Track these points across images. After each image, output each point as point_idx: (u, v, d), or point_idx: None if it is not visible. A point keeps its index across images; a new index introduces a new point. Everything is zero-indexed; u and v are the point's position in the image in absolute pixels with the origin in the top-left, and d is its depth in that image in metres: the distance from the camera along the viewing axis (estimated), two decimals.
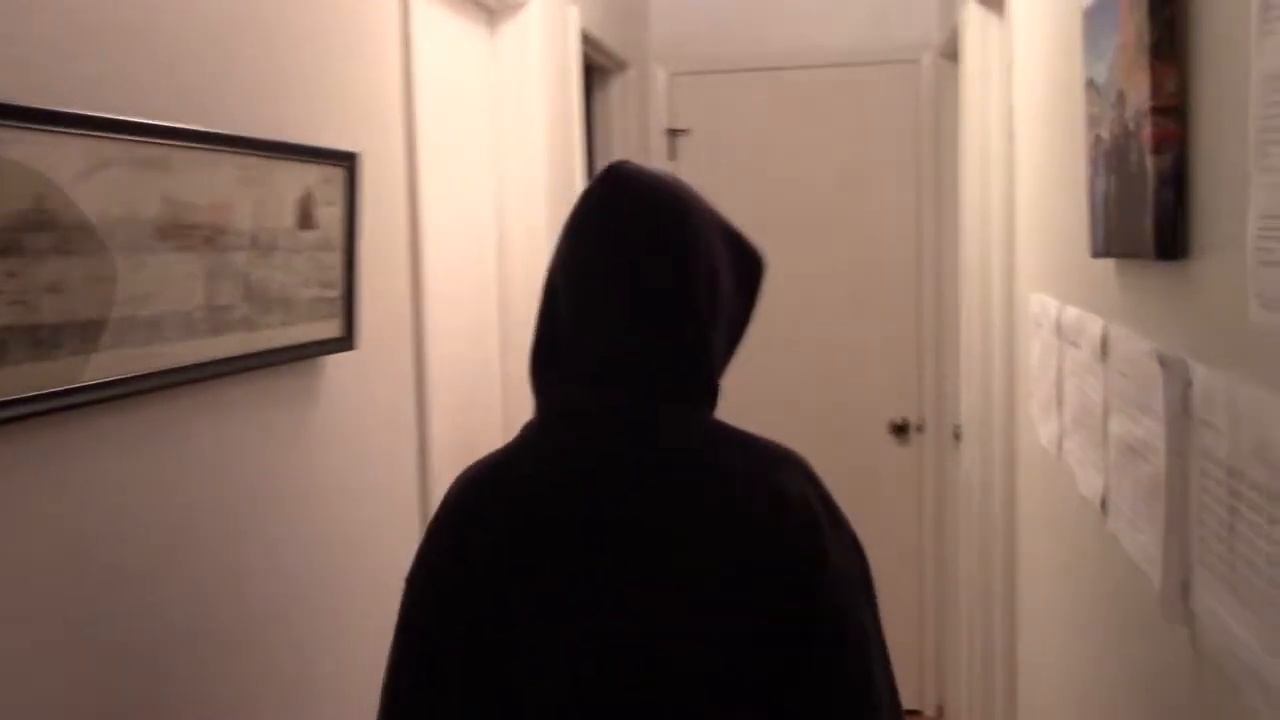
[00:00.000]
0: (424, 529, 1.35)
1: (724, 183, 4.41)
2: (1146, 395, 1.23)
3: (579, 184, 3.22)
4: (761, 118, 4.41)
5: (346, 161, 1.69)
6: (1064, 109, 1.70)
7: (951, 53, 4.13)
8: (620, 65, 4.15)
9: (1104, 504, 1.50)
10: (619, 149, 4.22)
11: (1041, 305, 1.97)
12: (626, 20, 4.11)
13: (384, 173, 1.95)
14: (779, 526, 1.20)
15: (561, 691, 1.21)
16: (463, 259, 2.58)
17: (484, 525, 1.26)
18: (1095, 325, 1.51)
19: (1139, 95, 1.15)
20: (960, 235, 3.34)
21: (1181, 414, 1.12)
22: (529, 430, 1.31)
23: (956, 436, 4.14)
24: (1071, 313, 1.69)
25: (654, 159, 4.41)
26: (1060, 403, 1.82)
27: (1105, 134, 1.31)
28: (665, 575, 1.20)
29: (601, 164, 4.21)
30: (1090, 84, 1.38)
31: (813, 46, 4.36)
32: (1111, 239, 1.31)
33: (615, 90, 4.22)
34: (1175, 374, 1.12)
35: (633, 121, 4.24)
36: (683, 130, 4.43)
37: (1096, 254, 1.41)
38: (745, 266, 1.35)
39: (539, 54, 2.88)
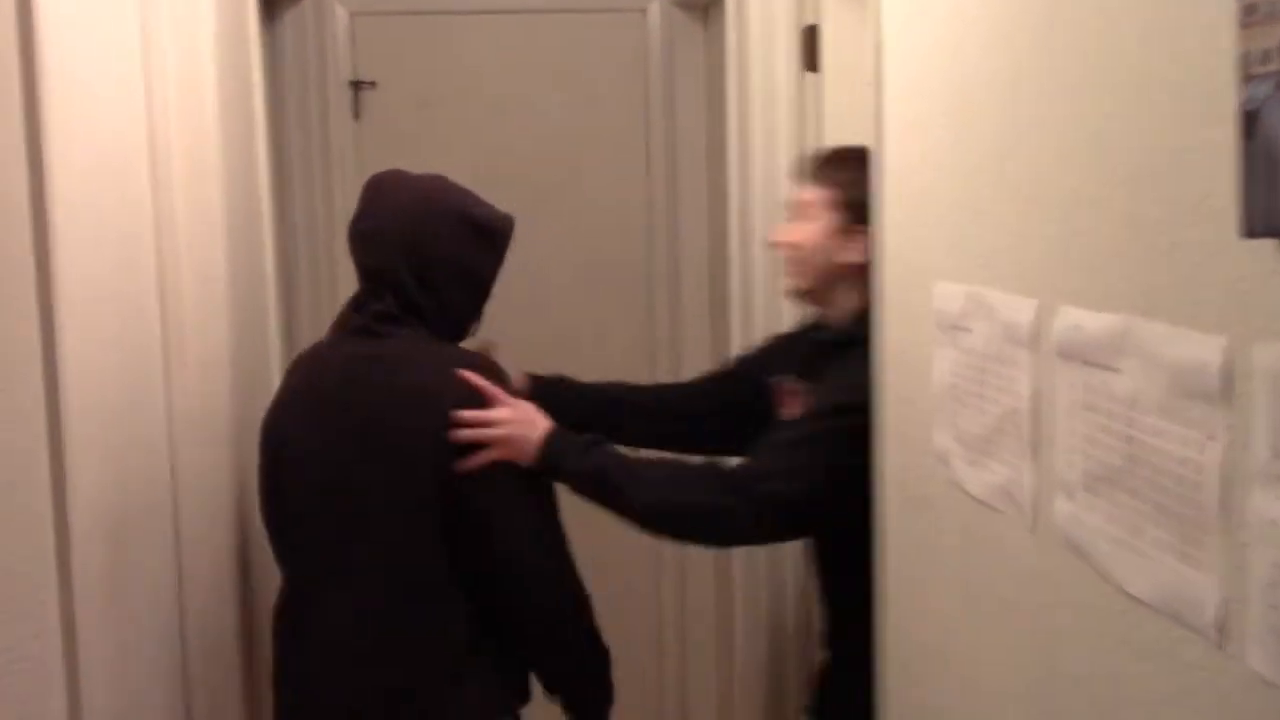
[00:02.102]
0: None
1: (418, 147, 3.67)
2: None
3: (261, 148, 2.43)
4: (459, 72, 3.71)
5: None
6: (1095, 40, 1.15)
7: (688, 2, 3.61)
8: None
9: (1222, 628, 0.96)
10: (295, 105, 3.43)
11: (976, 301, 1.43)
12: None
13: None
14: (439, 397, 1.85)
15: (309, 507, 1.92)
16: (109, 246, 1.77)
17: (277, 398, 2.02)
18: (1209, 349, 0.97)
19: None
20: (730, 207, 2.81)
21: None
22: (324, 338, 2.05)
23: None
24: (1098, 322, 1.15)
25: (334, 117, 3.62)
26: (1036, 447, 1.29)
27: None
28: (369, 430, 1.85)
29: (272, 120, 3.40)
30: None
31: None
32: None
33: (287, 30, 3.41)
34: None
35: (311, 70, 3.45)
36: (368, 83, 3.67)
37: (1261, 232, 0.86)
38: (488, 237, 2.01)
39: None
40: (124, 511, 1.77)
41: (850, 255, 2.04)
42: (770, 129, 2.60)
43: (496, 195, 3.60)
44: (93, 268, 1.70)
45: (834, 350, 2.06)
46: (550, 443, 1.93)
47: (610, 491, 1.96)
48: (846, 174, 2.05)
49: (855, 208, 2.01)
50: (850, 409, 1.87)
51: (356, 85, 3.65)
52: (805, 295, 2.17)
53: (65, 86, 1.52)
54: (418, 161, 3.69)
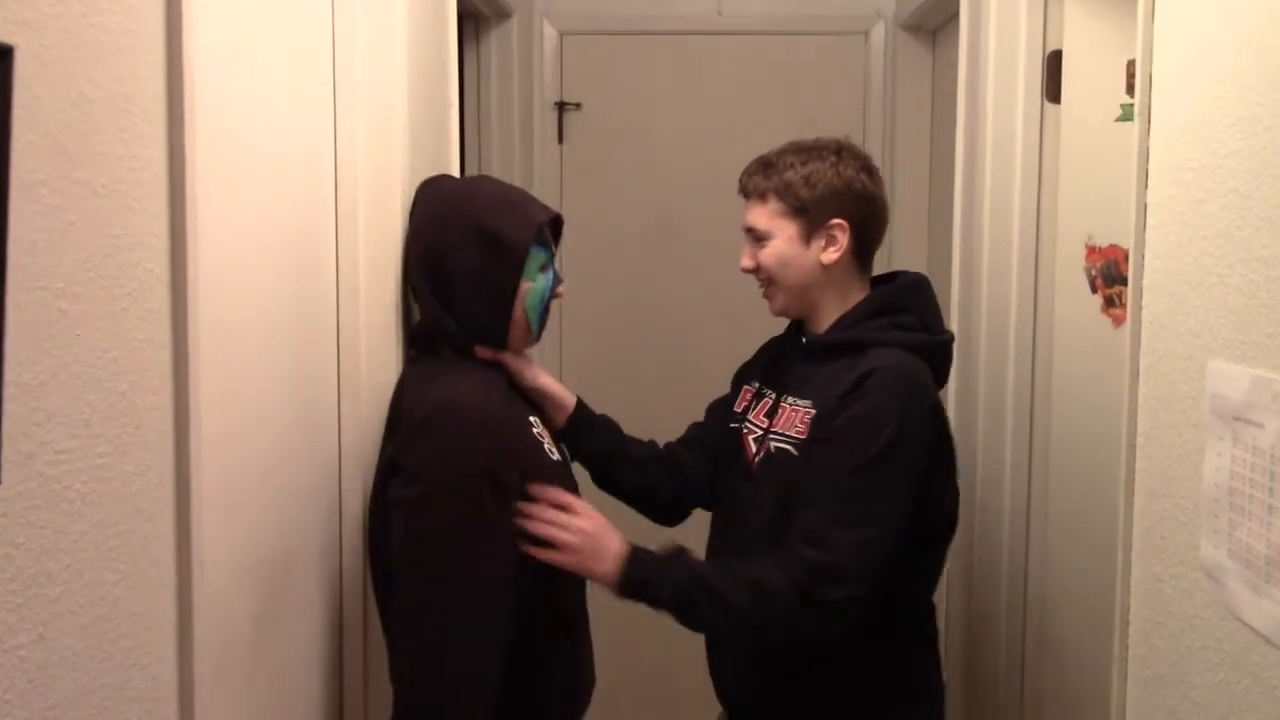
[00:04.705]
0: None
1: (622, 171, 3.55)
2: None
3: (454, 157, 2.31)
4: (668, 94, 3.57)
5: None
6: None
7: (915, 25, 3.37)
8: (501, 14, 3.25)
9: None
10: (499, 126, 3.33)
11: (1267, 391, 1.16)
12: None
13: (114, 101, 1.04)
14: (406, 422, 1.76)
15: None
16: (282, 275, 1.67)
17: None
18: None
19: None
20: (954, 247, 2.56)
21: None
22: None
23: None
24: None
25: (539, 139, 3.52)
26: None
27: None
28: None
29: (472, 140, 3.32)
30: None
31: (734, 10, 3.54)
32: None
33: (493, 49, 3.32)
34: None
35: (516, 91, 3.34)
36: (573, 105, 3.55)
37: None
38: (500, 248, 1.84)
39: None
40: (284, 557, 1.66)
41: (828, 255, 1.94)
42: (1003, 165, 2.33)
43: (702, 220, 3.41)
44: (264, 297, 1.59)
45: (807, 357, 1.98)
46: (631, 565, 1.78)
47: (694, 622, 1.86)
48: (783, 177, 1.94)
49: (809, 207, 1.92)
50: (889, 453, 1.78)
51: (561, 106, 3.54)
52: (790, 312, 2.05)
53: (224, 117, 1.42)
54: (621, 186, 3.60)
